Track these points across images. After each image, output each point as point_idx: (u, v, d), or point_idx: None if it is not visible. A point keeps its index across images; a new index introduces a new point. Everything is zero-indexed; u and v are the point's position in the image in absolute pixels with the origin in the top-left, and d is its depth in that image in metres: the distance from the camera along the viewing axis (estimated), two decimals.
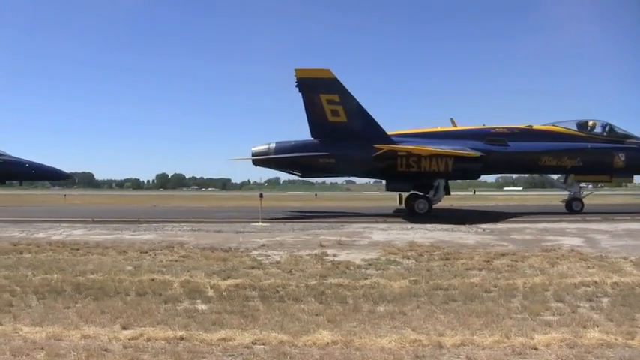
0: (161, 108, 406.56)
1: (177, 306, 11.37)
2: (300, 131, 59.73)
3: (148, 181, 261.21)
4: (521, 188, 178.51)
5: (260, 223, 26.22)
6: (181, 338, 8.97)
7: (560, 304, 11.15)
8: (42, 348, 8.50)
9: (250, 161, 36.84)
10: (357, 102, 34.96)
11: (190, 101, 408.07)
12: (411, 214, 33.86)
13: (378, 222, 27.07)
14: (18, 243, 19.68)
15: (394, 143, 33.79)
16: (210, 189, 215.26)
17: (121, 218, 29.47)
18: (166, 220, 28.30)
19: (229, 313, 10.70)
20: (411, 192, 36.45)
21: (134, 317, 10.34)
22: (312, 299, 11.74)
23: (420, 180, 34.42)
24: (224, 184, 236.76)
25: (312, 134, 35.66)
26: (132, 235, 22.11)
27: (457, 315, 10.35)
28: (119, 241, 20.27)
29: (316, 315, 10.46)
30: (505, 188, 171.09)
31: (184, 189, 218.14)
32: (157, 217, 31.04)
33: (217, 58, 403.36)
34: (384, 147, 32.52)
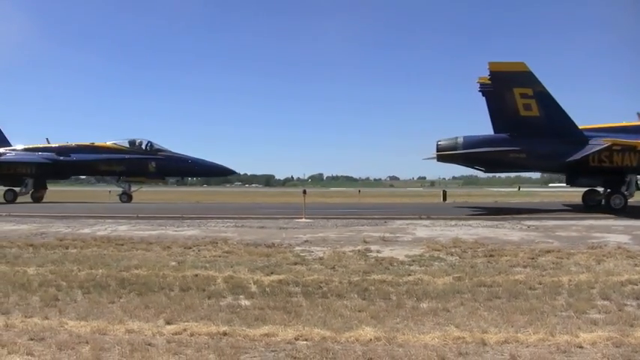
0: (208, 103, 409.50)
1: (221, 301, 11.46)
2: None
3: (192, 178, 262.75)
4: (566, 184, 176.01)
5: (303, 219, 26.19)
6: (224, 334, 9.05)
7: (606, 302, 11.00)
8: (87, 342, 8.64)
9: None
10: (551, 96, 33.93)
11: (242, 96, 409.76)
12: (605, 208, 32.84)
13: (421, 218, 26.91)
14: (63, 238, 19.96)
15: (587, 138, 33.11)
16: (253, 185, 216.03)
17: (165, 214, 29.68)
18: (210, 216, 28.39)
19: (272, 308, 10.75)
20: (589, 188, 36.29)
21: (178, 312, 10.45)
22: (355, 295, 11.74)
23: (611, 175, 33.54)
24: (267, 180, 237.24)
25: (499, 129, 34.77)
26: (176, 230, 22.28)
27: (501, 312, 10.27)
28: (163, 236, 20.43)
29: (359, 311, 10.47)
30: (550, 184, 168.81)
31: (228, 185, 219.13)
32: (201, 213, 31.14)
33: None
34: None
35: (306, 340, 8.74)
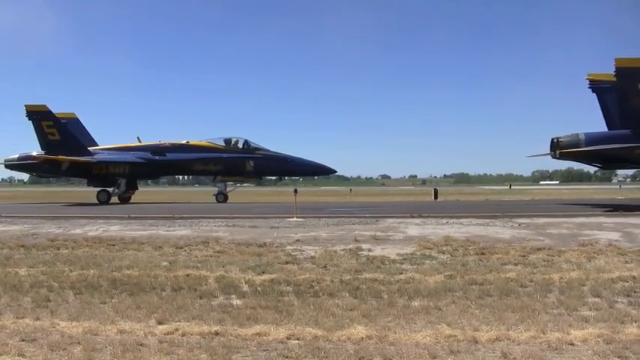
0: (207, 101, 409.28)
1: (213, 301, 11.48)
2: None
3: (184, 177, 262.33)
4: (557, 182, 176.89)
5: (295, 219, 26.20)
6: (216, 333, 9.07)
7: (597, 300, 11.05)
8: (78, 343, 8.65)
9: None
10: None
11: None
12: None
13: (413, 217, 26.96)
14: (55, 239, 19.93)
15: None
16: (245, 184, 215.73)
17: (157, 214, 29.64)
18: (202, 215, 28.37)
19: (264, 308, 10.77)
20: None
21: (169, 312, 10.46)
22: (347, 294, 11.76)
23: None
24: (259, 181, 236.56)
25: (621, 125, 34.64)
26: (167, 230, 22.26)
27: (492, 310, 10.31)
28: (155, 236, 20.41)
29: (351, 310, 10.49)
30: (541, 182, 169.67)
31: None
32: (193, 212, 31.16)
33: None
34: None
35: (297, 339, 8.76)
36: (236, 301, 11.43)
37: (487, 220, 24.41)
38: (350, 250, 16.94)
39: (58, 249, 18.00)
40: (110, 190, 48.60)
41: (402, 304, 10.94)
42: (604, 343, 8.29)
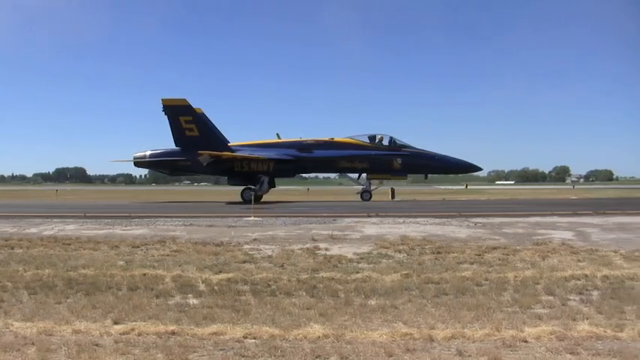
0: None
1: (169, 300, 11.41)
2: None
3: (141, 176, 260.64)
4: (513, 182, 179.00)
5: (252, 218, 26.14)
6: (173, 333, 9.02)
7: (550, 298, 11.21)
8: (33, 343, 8.54)
9: None
10: None
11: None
12: None
13: (370, 216, 27.07)
14: (9, 238, 19.60)
15: None
16: (203, 183, 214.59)
17: (113, 213, 29.36)
18: (158, 214, 28.18)
19: (221, 307, 10.74)
20: None
21: (125, 312, 10.37)
22: (304, 293, 11.78)
23: None
24: (217, 179, 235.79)
25: None
26: (124, 230, 22.06)
27: (448, 308, 10.40)
28: (111, 236, 20.21)
29: (308, 309, 10.50)
30: (497, 182, 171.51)
31: (177, 184, 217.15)
32: (149, 211, 30.90)
33: None
34: None
35: (254, 338, 8.75)
36: (193, 301, 11.37)
37: (444, 220, 24.60)
38: (307, 249, 16.94)
39: (12, 248, 17.69)
40: (254, 187, 46.66)
41: (359, 302, 10.98)
42: (557, 340, 8.41)
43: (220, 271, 13.88)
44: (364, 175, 48.96)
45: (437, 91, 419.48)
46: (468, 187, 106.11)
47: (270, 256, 15.95)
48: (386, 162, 46.98)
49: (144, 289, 12.20)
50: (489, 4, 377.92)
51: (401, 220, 24.70)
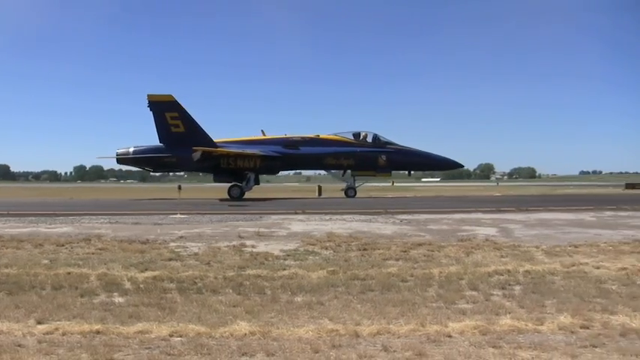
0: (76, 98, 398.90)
1: (94, 299, 11.16)
2: None
3: (66, 173, 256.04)
4: (438, 179, 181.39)
5: (179, 215, 25.97)
6: (97, 332, 8.80)
7: (474, 293, 11.36)
8: None
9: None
10: None
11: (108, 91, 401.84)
12: None
13: (297, 213, 27.12)
14: None
15: None
16: (129, 181, 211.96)
17: (37, 211, 28.72)
18: (84, 212, 27.75)
19: (147, 305, 10.55)
20: None
21: (49, 312, 10.09)
22: (230, 291, 11.69)
23: None
24: (143, 177, 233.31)
25: None
26: (48, 228, 21.62)
27: (374, 305, 10.44)
28: (35, 234, 19.78)
29: (234, 306, 10.41)
30: (423, 180, 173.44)
31: (103, 181, 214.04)
32: (74, 209, 30.36)
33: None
34: None
35: (180, 336, 8.62)
36: (118, 299, 11.15)
37: (370, 217, 24.84)
38: (234, 246, 16.89)
39: None
40: (241, 184, 46.77)
41: (286, 299, 10.95)
42: (480, 334, 8.52)
43: (146, 269, 13.68)
44: (349, 171, 49.49)
45: (360, 89, 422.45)
46: (395, 184, 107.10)
47: (196, 254, 15.82)
48: (371, 159, 47.66)
49: (68, 288, 11.90)
50: (416, 3, 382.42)
51: (327, 217, 24.85)
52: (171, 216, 25.60)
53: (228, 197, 45.95)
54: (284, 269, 13.66)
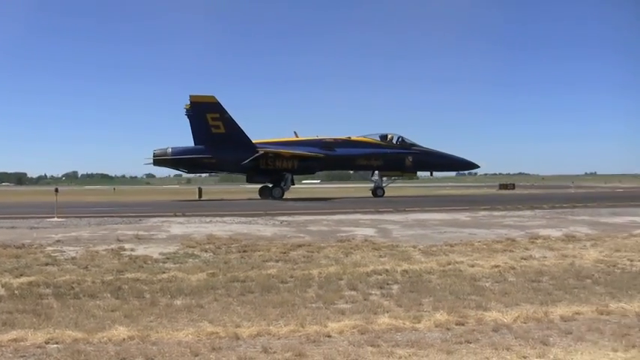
0: None
1: None
2: None
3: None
4: (319, 181, 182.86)
5: (56, 219, 25.31)
6: None
7: (353, 293, 11.56)
8: None
9: None
10: None
11: None
12: None
13: (177, 215, 26.86)
14: None
15: None
16: (4, 183, 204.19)
17: None
18: None
19: (21, 312, 10.22)
20: None
21: None
22: (109, 295, 11.49)
23: None
24: (19, 179, 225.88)
25: None
26: None
27: (254, 306, 10.47)
28: None
29: (112, 311, 10.24)
30: (303, 181, 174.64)
31: (5, 184, 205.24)
32: None
33: None
34: None
35: (57, 342, 8.40)
36: None
37: (250, 219, 24.88)
38: (112, 250, 16.61)
39: None
40: (282, 185, 47.15)
41: (165, 303, 10.83)
42: (359, 333, 8.68)
43: (21, 275, 13.27)
44: (377, 172, 51.75)
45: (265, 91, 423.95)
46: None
47: (73, 258, 15.49)
48: (399, 160, 50.06)
49: None
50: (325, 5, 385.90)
51: (208, 219, 24.76)
52: (48, 219, 24.90)
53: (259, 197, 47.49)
54: (163, 272, 13.53)
